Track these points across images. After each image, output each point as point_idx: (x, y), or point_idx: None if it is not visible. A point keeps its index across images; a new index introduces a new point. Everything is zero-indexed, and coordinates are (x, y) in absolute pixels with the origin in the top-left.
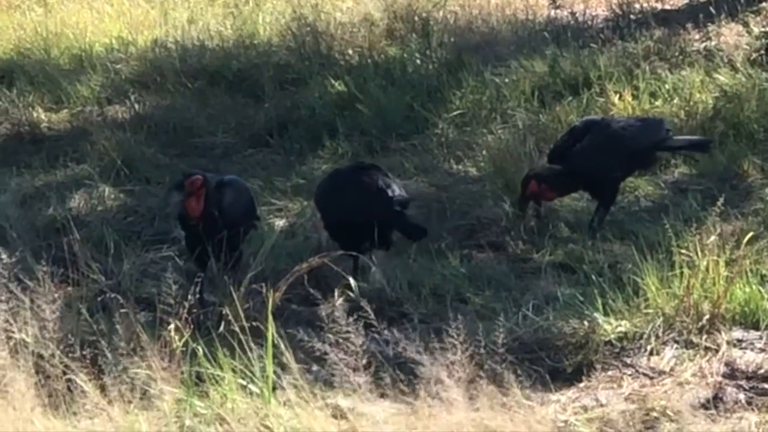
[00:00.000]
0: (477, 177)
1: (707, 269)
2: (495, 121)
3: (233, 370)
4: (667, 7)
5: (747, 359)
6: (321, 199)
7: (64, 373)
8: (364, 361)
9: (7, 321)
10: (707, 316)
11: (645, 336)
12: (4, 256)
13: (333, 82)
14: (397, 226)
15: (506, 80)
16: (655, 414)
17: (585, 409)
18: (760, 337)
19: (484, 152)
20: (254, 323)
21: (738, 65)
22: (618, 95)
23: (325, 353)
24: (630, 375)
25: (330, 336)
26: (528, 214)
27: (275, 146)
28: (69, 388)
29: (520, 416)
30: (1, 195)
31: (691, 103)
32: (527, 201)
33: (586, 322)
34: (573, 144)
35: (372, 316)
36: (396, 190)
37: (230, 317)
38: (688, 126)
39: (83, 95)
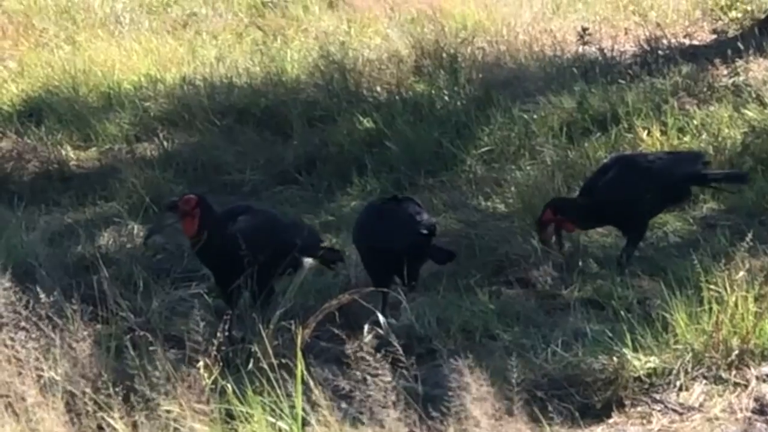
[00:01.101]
0: (505, 213)
1: (736, 305)
2: (523, 157)
3: (262, 408)
4: (695, 42)
5: None
6: (355, 229)
7: (95, 412)
8: (393, 398)
9: (37, 359)
10: (736, 352)
11: (674, 372)
12: (37, 294)
13: (361, 118)
14: (425, 250)
15: (534, 116)
16: None
17: None
18: None
19: (512, 188)
20: (283, 360)
21: (766, 100)
22: (646, 131)
23: (354, 390)
24: (659, 411)
25: (358, 373)
26: (552, 244)
27: (304, 183)
28: (100, 426)
29: None
30: (30, 233)
31: (720, 138)
32: (544, 227)
33: (615, 358)
34: (601, 178)
35: (400, 351)
36: (425, 216)
37: (259, 354)
38: (716, 161)
39: (111, 133)
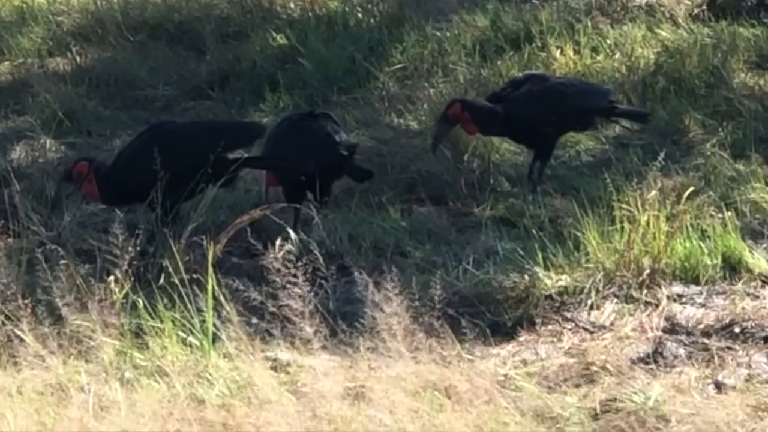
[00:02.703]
0: (418, 131)
1: (648, 224)
2: (436, 75)
3: (173, 323)
4: None
5: (687, 314)
6: (270, 144)
7: (4, 324)
8: (305, 314)
9: None
10: (647, 271)
11: (585, 290)
12: None
13: (274, 35)
14: (344, 169)
15: (448, 34)
16: (594, 368)
17: (525, 363)
18: (700, 292)
19: (425, 106)
20: (194, 275)
21: (680, 21)
22: (559, 50)
23: (265, 305)
24: (570, 329)
25: (270, 289)
26: (441, 142)
27: (216, 99)
28: (9, 338)
29: (459, 370)
30: None
31: (633, 58)
32: (445, 125)
33: (526, 276)
34: (511, 92)
35: (315, 267)
36: (344, 136)
37: (170, 269)
38: (629, 81)
39: (24, 47)
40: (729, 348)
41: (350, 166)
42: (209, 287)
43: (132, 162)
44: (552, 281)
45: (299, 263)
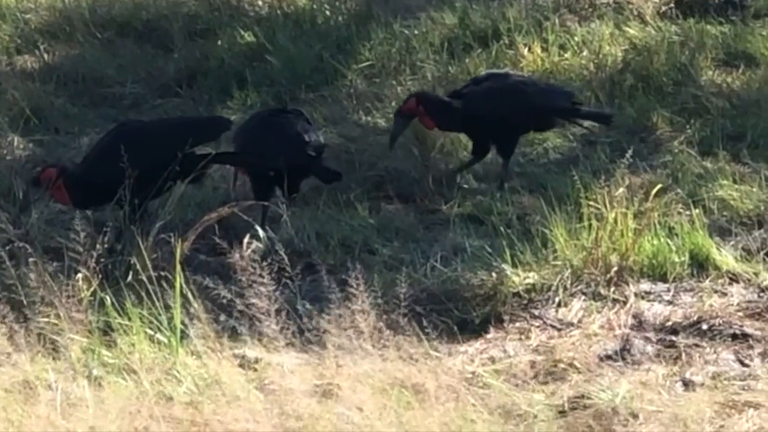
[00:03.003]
0: (386, 128)
1: (615, 221)
2: (404, 72)
3: (141, 320)
4: None
5: (654, 311)
6: (241, 139)
7: None
8: (272, 311)
9: None
10: (615, 269)
11: (553, 288)
12: None
13: (242, 33)
14: (312, 170)
15: (416, 32)
16: (562, 366)
17: (492, 360)
18: (668, 290)
19: (393, 104)
20: (162, 273)
21: (647, 18)
22: (527, 48)
23: (233, 303)
24: (538, 327)
25: (237, 286)
26: (397, 136)
27: (184, 97)
28: None
29: (427, 367)
30: None
31: (601, 56)
32: (401, 120)
33: (494, 274)
34: (473, 88)
35: (282, 264)
36: (313, 136)
37: (138, 267)
38: (597, 79)
39: None
40: (696, 345)
41: (318, 167)
42: (177, 285)
43: (100, 163)
44: (520, 279)
45: (267, 261)
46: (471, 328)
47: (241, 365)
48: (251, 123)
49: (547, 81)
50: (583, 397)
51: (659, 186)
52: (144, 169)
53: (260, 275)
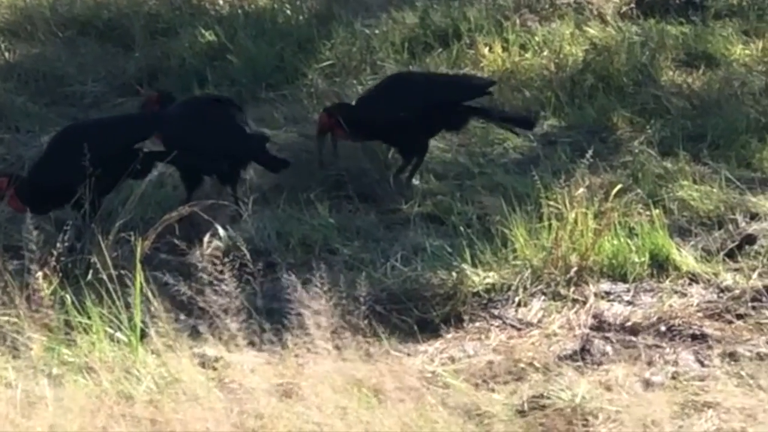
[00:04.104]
0: None
1: (575, 221)
2: (365, 72)
3: (101, 319)
4: None
5: (614, 311)
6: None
7: None
8: (233, 310)
9: None
10: (575, 269)
11: (513, 288)
12: None
13: (203, 31)
14: (260, 161)
15: (376, 31)
16: (522, 365)
17: (452, 360)
18: (628, 290)
19: (353, 103)
20: (122, 271)
21: (608, 18)
22: (488, 47)
23: (194, 301)
24: (497, 326)
25: (198, 285)
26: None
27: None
28: None
29: (387, 367)
30: None
31: (561, 56)
32: (320, 137)
33: (454, 273)
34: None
35: (243, 263)
36: (252, 126)
37: (98, 266)
38: (557, 79)
39: None
40: (656, 346)
41: (265, 157)
42: (137, 283)
43: (49, 167)
44: (480, 278)
45: (227, 260)
46: (431, 328)
47: (201, 364)
48: (189, 113)
49: (466, 74)
50: (542, 396)
51: (619, 186)
52: (93, 167)
53: (221, 272)
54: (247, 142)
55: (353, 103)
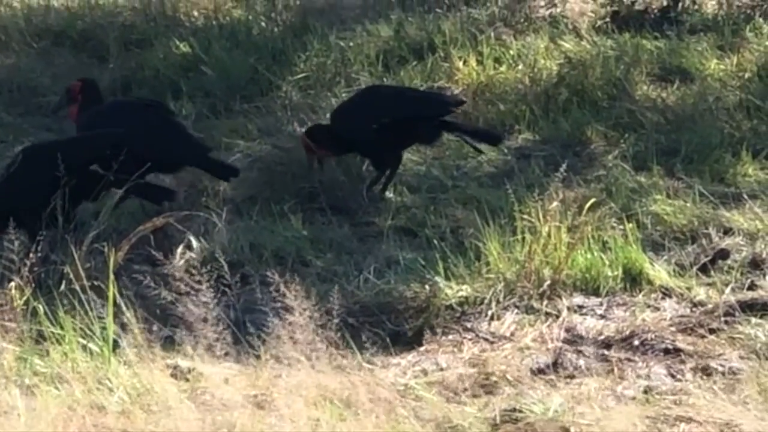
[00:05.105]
0: None
1: (549, 235)
2: (339, 84)
3: (74, 329)
4: None
5: (587, 325)
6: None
7: None
8: (208, 321)
9: None
10: (548, 282)
11: (486, 301)
12: None
13: (178, 43)
14: (208, 168)
15: (351, 44)
16: (494, 378)
17: (425, 372)
18: (601, 304)
19: (327, 116)
20: (96, 282)
21: (583, 32)
22: (462, 61)
23: (167, 312)
24: (470, 339)
25: (172, 295)
26: (315, 169)
27: None
28: None
29: (360, 379)
30: None
31: (536, 69)
32: (309, 155)
33: (427, 286)
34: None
35: (221, 272)
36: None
37: (72, 276)
38: (532, 92)
39: None
40: (629, 359)
41: (213, 165)
42: (110, 294)
43: (11, 189)
44: (453, 291)
45: (202, 271)
46: (404, 341)
47: (173, 375)
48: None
49: (435, 89)
50: (515, 410)
51: (593, 200)
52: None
53: (197, 282)
54: (195, 149)
55: (327, 115)
